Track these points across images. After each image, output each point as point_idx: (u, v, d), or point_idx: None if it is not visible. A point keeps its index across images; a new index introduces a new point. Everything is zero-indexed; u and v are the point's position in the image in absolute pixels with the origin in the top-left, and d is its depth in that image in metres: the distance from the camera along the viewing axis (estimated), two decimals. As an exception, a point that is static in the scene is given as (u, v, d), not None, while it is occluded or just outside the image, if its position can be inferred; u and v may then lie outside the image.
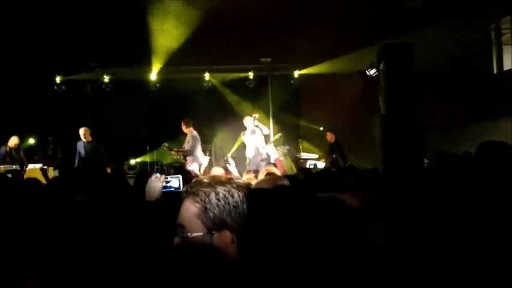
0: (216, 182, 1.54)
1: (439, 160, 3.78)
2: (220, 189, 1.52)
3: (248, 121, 9.66)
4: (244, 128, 9.80)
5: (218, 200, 1.50)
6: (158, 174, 2.97)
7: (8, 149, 9.52)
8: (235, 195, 1.52)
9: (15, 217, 2.30)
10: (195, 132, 9.53)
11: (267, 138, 9.86)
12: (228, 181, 1.56)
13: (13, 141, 9.61)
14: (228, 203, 1.51)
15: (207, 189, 1.52)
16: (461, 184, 2.99)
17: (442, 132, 8.09)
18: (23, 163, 9.40)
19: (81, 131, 9.53)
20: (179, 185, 3.04)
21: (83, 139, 9.51)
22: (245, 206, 1.52)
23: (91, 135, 9.61)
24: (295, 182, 3.01)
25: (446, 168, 3.55)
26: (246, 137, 9.72)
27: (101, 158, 9.47)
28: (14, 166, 9.14)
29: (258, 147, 9.43)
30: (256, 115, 9.75)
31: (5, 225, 2.16)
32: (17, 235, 2.06)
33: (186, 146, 9.54)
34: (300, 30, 9.60)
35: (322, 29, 9.39)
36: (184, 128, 9.64)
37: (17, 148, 9.66)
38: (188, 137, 9.52)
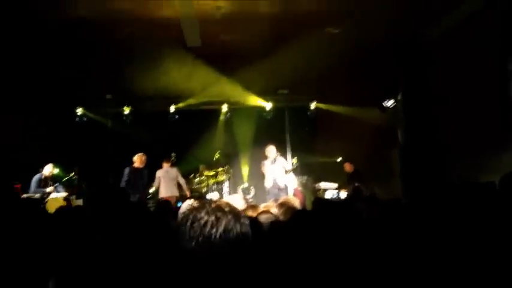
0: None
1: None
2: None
3: (270, 151, 9.64)
4: (265, 158, 9.79)
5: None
6: (192, 200, 3.06)
7: (43, 177, 9.42)
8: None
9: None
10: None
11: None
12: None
13: (48, 169, 9.53)
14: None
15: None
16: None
17: (461, 161, 8.01)
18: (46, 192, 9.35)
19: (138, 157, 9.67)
20: None
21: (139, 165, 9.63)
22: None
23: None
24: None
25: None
26: (266, 167, 9.68)
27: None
28: (36, 195, 9.00)
29: (277, 177, 9.41)
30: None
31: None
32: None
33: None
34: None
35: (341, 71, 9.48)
36: None
37: (51, 177, 9.57)
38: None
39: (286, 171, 9.48)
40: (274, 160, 9.61)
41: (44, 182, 9.41)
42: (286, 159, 10.08)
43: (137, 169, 9.61)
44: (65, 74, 10.22)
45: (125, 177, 9.46)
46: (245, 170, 12.58)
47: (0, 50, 8.84)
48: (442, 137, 8.34)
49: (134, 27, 8.67)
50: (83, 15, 8.02)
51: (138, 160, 9.67)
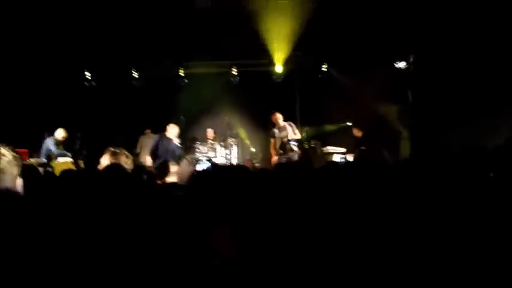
0: None
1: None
2: None
3: (278, 118, 9.70)
4: (273, 125, 9.78)
5: None
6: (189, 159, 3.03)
7: (56, 141, 9.37)
8: None
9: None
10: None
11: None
12: None
13: (61, 133, 9.43)
14: None
15: None
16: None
17: (470, 124, 7.87)
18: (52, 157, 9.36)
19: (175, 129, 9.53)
20: None
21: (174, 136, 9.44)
22: None
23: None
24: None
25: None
26: (274, 134, 9.70)
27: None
28: (44, 159, 9.02)
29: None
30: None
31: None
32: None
33: None
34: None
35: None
36: None
37: (62, 141, 9.49)
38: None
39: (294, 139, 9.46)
40: (283, 127, 9.59)
41: (57, 147, 9.39)
42: (295, 124, 9.93)
43: (168, 138, 9.42)
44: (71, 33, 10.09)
45: (153, 144, 9.45)
46: (253, 135, 12.45)
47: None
48: (452, 100, 8.20)
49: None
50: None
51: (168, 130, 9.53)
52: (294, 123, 9.93)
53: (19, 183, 2.30)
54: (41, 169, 7.88)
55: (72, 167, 8.73)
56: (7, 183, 2.17)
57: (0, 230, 1.62)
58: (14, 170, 2.24)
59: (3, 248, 1.57)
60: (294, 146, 9.23)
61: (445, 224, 2.24)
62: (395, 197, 2.72)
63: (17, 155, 2.27)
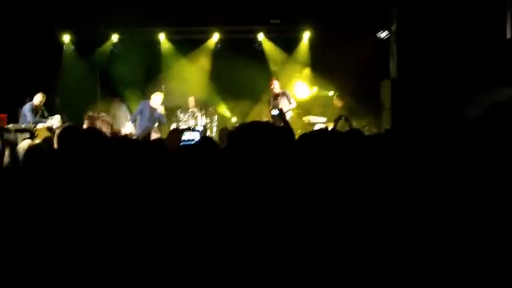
0: None
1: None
2: None
3: (276, 85, 9.90)
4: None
5: None
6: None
7: (33, 107, 9.17)
8: None
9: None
10: None
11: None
12: None
13: (39, 98, 9.26)
14: None
15: None
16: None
17: (452, 95, 7.95)
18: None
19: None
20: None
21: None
22: None
23: None
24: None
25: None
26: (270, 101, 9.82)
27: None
28: (23, 125, 8.78)
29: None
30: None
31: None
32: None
33: None
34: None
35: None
36: None
37: (41, 106, 9.35)
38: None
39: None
40: (277, 95, 9.62)
41: (35, 112, 9.19)
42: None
43: (152, 107, 9.43)
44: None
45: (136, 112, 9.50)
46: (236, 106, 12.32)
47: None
48: (435, 71, 8.24)
49: None
50: None
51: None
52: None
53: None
54: (20, 134, 7.79)
55: (48, 134, 8.56)
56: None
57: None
58: None
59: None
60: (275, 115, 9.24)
61: (429, 196, 2.26)
62: (379, 169, 2.72)
63: None
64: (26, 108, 9.10)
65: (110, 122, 4.12)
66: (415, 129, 3.85)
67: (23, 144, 3.12)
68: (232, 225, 1.82)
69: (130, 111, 10.77)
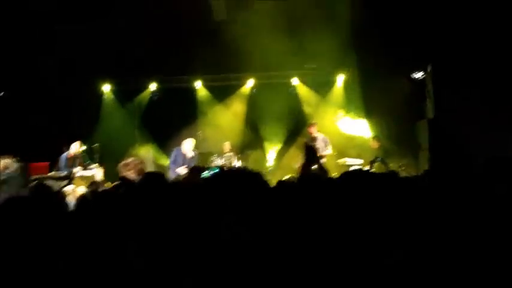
0: None
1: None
2: None
3: (314, 129, 9.90)
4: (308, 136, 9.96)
5: None
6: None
7: (70, 155, 9.19)
8: None
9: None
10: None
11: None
12: None
13: (76, 147, 9.26)
14: None
15: None
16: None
17: (489, 134, 7.73)
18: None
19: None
20: None
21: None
22: None
23: None
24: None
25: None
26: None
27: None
28: (64, 173, 8.86)
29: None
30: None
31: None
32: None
33: None
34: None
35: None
36: None
37: (80, 154, 9.33)
38: None
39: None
40: (314, 139, 9.65)
41: (72, 161, 9.20)
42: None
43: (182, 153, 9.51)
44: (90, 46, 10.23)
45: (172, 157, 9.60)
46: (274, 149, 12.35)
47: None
48: (472, 110, 8.08)
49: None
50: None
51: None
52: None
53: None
54: (58, 182, 7.96)
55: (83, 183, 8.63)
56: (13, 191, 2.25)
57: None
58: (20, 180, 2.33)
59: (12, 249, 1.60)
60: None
61: (469, 241, 2.18)
62: (415, 212, 2.65)
63: (21, 165, 2.35)
64: (63, 158, 9.26)
65: (140, 166, 4.18)
66: (454, 171, 3.74)
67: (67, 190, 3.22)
68: (234, 226, 1.83)
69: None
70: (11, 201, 2.00)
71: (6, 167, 2.24)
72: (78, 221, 2.39)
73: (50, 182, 7.16)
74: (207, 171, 3.57)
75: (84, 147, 9.58)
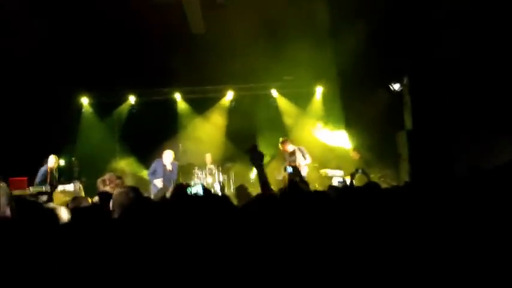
0: None
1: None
2: None
3: (287, 145, 9.81)
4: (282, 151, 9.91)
5: None
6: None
7: (48, 169, 9.23)
8: None
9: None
10: None
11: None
12: None
13: (52, 160, 9.32)
14: None
15: None
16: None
17: (468, 144, 7.87)
18: (55, 185, 9.22)
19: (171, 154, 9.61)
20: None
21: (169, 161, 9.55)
22: None
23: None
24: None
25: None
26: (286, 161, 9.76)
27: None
28: (44, 188, 8.81)
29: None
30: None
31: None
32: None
33: None
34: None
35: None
36: None
37: (56, 169, 9.41)
38: None
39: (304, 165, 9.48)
40: (292, 153, 9.64)
41: (51, 175, 9.25)
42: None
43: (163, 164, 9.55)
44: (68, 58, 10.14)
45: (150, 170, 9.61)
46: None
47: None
48: (450, 120, 8.22)
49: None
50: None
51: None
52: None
53: (7, 211, 2.35)
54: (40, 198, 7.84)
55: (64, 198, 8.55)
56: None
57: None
58: (2, 199, 2.33)
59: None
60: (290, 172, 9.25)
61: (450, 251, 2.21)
62: (398, 223, 2.68)
63: (2, 185, 2.34)
64: (42, 171, 9.22)
65: (117, 182, 4.16)
66: (434, 182, 3.80)
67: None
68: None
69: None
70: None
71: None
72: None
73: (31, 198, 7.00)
74: (190, 188, 3.56)
75: (59, 162, 9.53)
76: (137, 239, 2.26)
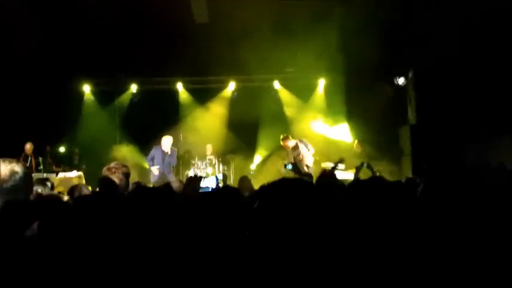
0: None
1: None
2: None
3: (286, 143, 9.72)
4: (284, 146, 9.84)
5: None
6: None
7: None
8: None
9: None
10: None
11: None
12: None
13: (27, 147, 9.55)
14: None
15: None
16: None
17: (472, 140, 7.84)
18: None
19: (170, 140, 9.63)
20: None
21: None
22: None
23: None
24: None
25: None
26: (288, 154, 9.73)
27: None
28: (45, 175, 8.90)
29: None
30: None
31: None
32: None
33: None
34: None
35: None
36: None
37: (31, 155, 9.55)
38: None
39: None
40: (294, 147, 9.57)
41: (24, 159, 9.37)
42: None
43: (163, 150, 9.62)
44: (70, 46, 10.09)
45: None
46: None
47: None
48: (453, 116, 8.19)
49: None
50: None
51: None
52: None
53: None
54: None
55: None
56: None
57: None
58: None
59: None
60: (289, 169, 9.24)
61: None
62: (401, 219, 2.65)
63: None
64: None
65: (123, 170, 4.10)
66: (439, 178, 3.76)
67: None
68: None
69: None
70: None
71: (13, 173, 2.14)
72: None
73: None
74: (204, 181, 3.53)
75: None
76: (147, 232, 2.25)
